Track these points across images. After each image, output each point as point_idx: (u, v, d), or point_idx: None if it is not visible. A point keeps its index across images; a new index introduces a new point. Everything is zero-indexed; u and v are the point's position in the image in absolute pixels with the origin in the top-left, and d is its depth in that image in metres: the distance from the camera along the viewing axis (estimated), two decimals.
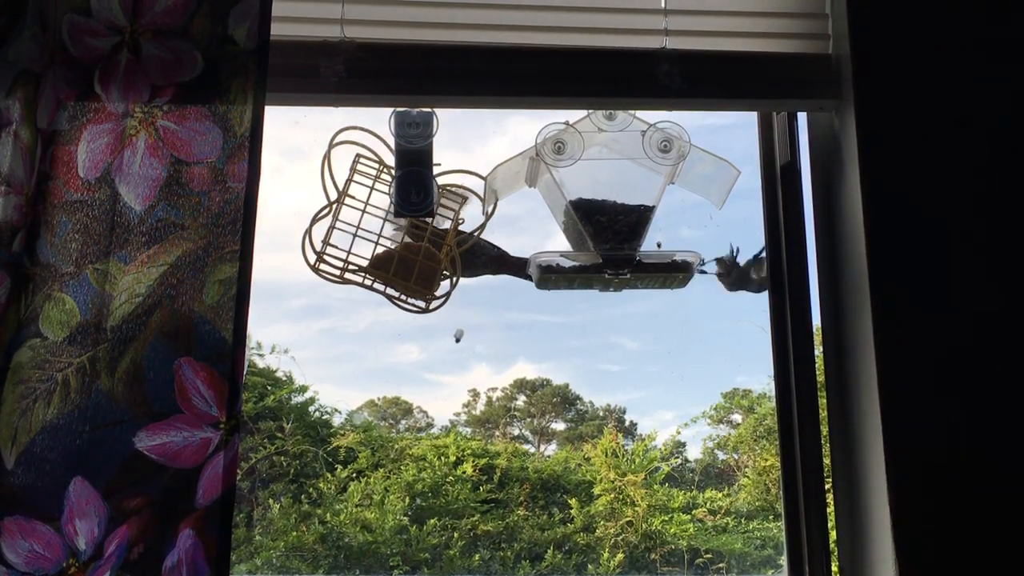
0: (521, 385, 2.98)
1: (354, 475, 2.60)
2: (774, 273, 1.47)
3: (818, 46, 1.43)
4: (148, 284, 1.12)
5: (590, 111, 1.42)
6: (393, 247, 1.40)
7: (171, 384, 1.09)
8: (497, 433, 2.92)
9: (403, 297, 1.39)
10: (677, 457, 2.77)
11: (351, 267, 1.38)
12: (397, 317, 1.39)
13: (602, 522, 2.56)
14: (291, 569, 2.38)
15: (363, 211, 1.40)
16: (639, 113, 1.43)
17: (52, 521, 1.07)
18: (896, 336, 1.29)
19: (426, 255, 1.39)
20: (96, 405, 1.09)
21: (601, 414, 2.90)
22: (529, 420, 2.97)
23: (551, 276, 1.39)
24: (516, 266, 1.46)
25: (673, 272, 1.40)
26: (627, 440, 2.76)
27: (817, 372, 1.44)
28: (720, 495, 2.66)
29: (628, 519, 2.53)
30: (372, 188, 1.41)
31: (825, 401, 1.42)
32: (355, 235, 1.39)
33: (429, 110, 1.39)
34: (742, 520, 2.58)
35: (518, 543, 2.52)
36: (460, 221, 1.42)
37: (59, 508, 1.07)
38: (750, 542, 2.53)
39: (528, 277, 1.45)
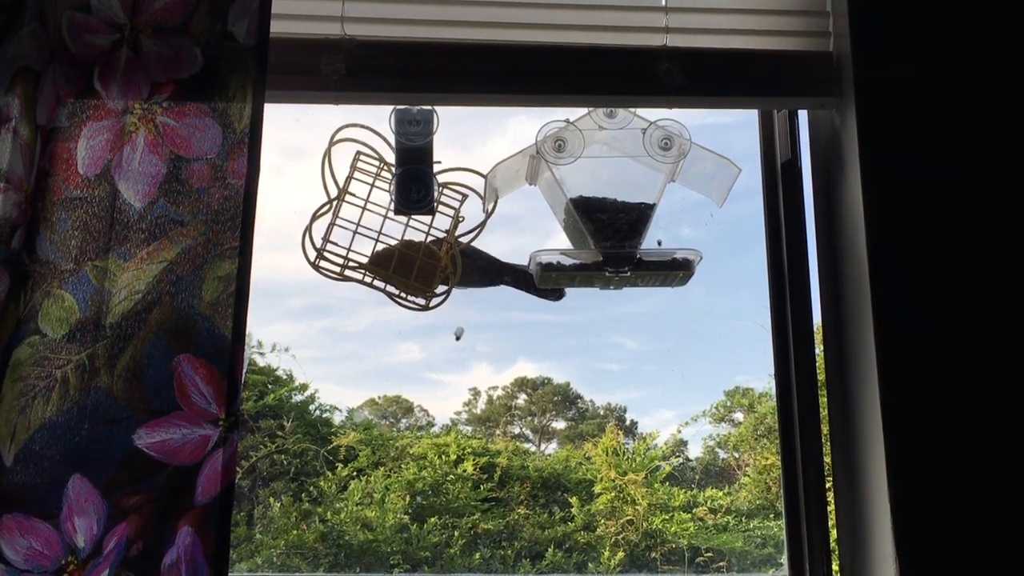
0: (522, 384, 2.98)
1: (355, 474, 2.60)
2: (774, 271, 1.47)
3: (819, 44, 1.43)
4: (147, 281, 1.12)
5: (590, 109, 1.42)
6: (393, 244, 1.39)
7: (170, 381, 1.09)
8: (498, 432, 2.93)
9: (403, 295, 1.39)
10: (678, 456, 2.77)
11: (351, 264, 1.38)
12: (398, 316, 1.40)
13: (603, 521, 2.56)
14: (291, 567, 2.39)
15: (363, 208, 1.40)
16: (640, 111, 1.43)
17: (51, 519, 1.06)
18: (897, 334, 1.28)
19: (426, 253, 1.39)
20: (95, 402, 1.09)
21: (602, 413, 2.91)
22: (530, 419, 2.97)
23: (551, 274, 1.39)
24: (512, 272, 1.45)
25: (673, 270, 1.40)
26: (628, 439, 2.76)
27: (818, 370, 1.43)
28: (721, 494, 2.66)
29: (629, 518, 2.53)
30: (372, 186, 1.41)
31: (826, 400, 1.42)
32: (355, 232, 1.39)
33: (429, 108, 1.38)
34: (743, 519, 2.58)
35: (519, 541, 2.52)
36: (460, 219, 1.42)
37: (58, 505, 1.06)
38: (750, 541, 2.53)
39: (524, 287, 1.45)
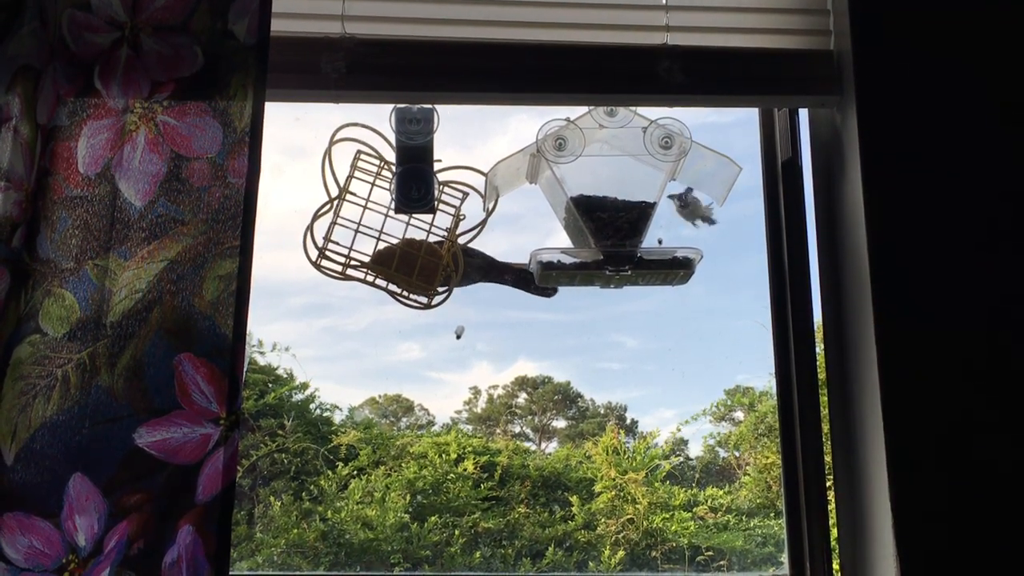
0: (522, 383, 2.98)
1: (355, 472, 2.60)
2: (775, 270, 1.47)
3: (819, 42, 1.43)
4: (148, 280, 1.12)
5: (591, 107, 1.42)
6: (395, 243, 1.39)
7: (171, 380, 1.09)
8: (498, 431, 2.92)
9: (405, 293, 1.39)
10: (678, 455, 2.77)
11: (353, 263, 1.38)
12: (398, 315, 1.39)
13: (603, 519, 2.56)
14: (292, 566, 2.39)
15: (364, 207, 1.40)
16: (640, 109, 1.43)
17: (52, 517, 1.06)
18: (897, 332, 1.28)
19: (428, 251, 1.39)
20: (96, 401, 1.09)
21: (602, 412, 2.90)
22: (530, 418, 2.97)
23: (552, 273, 1.39)
24: (510, 271, 1.45)
25: (674, 269, 1.40)
26: (628, 438, 2.76)
27: (818, 369, 1.43)
28: (721, 493, 2.66)
29: (629, 516, 2.53)
30: (373, 184, 1.41)
31: (826, 398, 1.41)
32: (356, 231, 1.39)
33: (430, 106, 1.38)
34: (743, 518, 2.57)
35: (519, 540, 2.52)
36: (461, 217, 1.42)
37: (59, 504, 1.07)
38: (751, 539, 2.53)
39: (523, 285, 1.45)
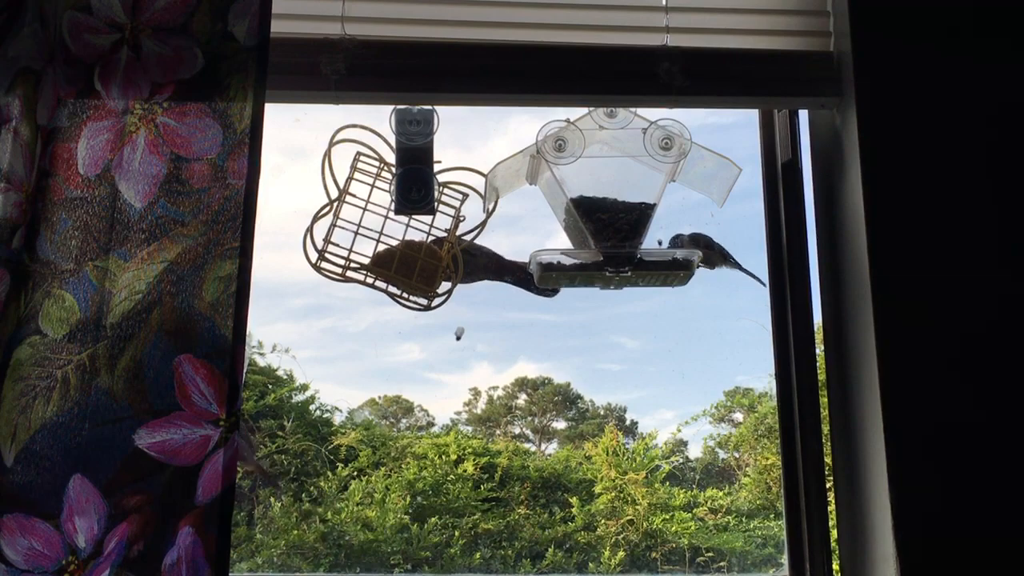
0: (522, 384, 2.98)
1: (355, 473, 2.60)
2: (775, 271, 1.47)
3: (819, 43, 1.43)
4: (148, 281, 1.12)
5: (591, 108, 1.42)
6: (395, 245, 1.39)
7: (171, 381, 1.09)
8: (498, 432, 2.92)
9: (405, 295, 1.39)
10: (678, 456, 2.77)
11: (353, 265, 1.38)
12: (398, 316, 1.39)
13: (603, 521, 2.56)
14: (292, 567, 2.39)
15: (364, 209, 1.40)
16: (640, 111, 1.43)
17: (52, 519, 1.06)
18: (897, 334, 1.28)
19: (427, 253, 1.39)
20: (96, 402, 1.09)
21: (602, 413, 2.90)
22: (530, 419, 2.97)
23: (552, 274, 1.39)
24: (513, 271, 1.46)
25: (674, 270, 1.40)
26: (628, 439, 2.76)
27: (818, 370, 1.43)
28: (721, 494, 2.66)
29: (629, 518, 2.53)
30: (373, 186, 1.41)
31: (826, 400, 1.41)
32: (356, 233, 1.39)
33: (430, 108, 1.39)
34: (743, 519, 2.58)
35: (519, 541, 2.52)
36: (461, 219, 1.42)
37: (59, 506, 1.06)
38: (751, 540, 2.53)
39: (525, 285, 1.46)
